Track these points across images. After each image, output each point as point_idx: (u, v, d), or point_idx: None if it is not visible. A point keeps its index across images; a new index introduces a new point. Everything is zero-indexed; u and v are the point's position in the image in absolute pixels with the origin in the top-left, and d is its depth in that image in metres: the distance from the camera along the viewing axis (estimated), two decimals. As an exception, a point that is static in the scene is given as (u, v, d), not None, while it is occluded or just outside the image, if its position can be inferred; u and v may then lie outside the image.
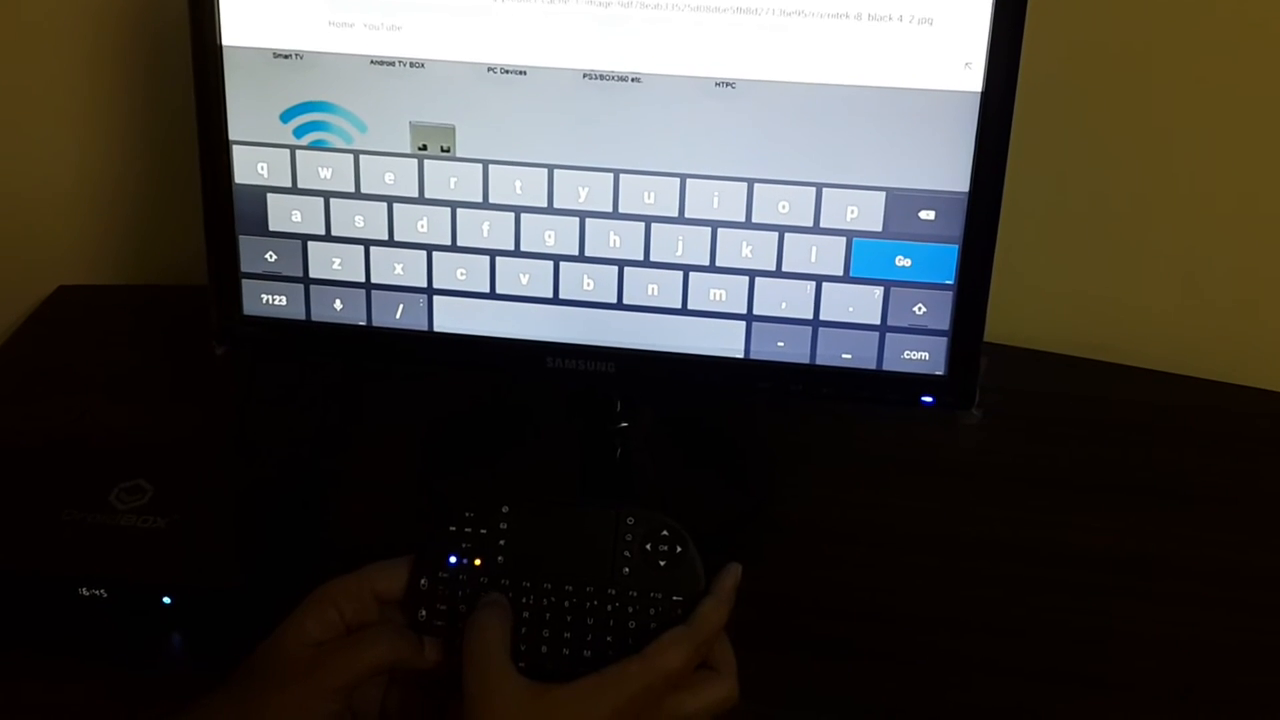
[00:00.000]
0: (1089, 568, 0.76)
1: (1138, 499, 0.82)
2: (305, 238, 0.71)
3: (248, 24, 0.68)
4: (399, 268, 0.71)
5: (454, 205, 0.70)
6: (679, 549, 0.59)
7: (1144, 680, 0.69)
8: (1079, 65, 0.88)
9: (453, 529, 0.60)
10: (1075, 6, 0.85)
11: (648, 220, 0.68)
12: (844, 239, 0.67)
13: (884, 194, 0.66)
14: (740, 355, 0.71)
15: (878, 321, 0.69)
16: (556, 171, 0.68)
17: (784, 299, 0.69)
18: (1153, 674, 0.69)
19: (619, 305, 0.70)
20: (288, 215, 0.71)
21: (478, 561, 0.59)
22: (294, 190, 0.70)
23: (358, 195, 0.70)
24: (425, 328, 0.73)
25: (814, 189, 0.66)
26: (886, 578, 0.75)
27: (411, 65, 0.67)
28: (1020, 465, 0.85)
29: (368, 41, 0.67)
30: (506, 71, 0.66)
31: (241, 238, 0.72)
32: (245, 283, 0.73)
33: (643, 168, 0.67)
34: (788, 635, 0.70)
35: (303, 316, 0.73)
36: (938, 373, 0.69)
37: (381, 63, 0.67)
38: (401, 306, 0.72)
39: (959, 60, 0.63)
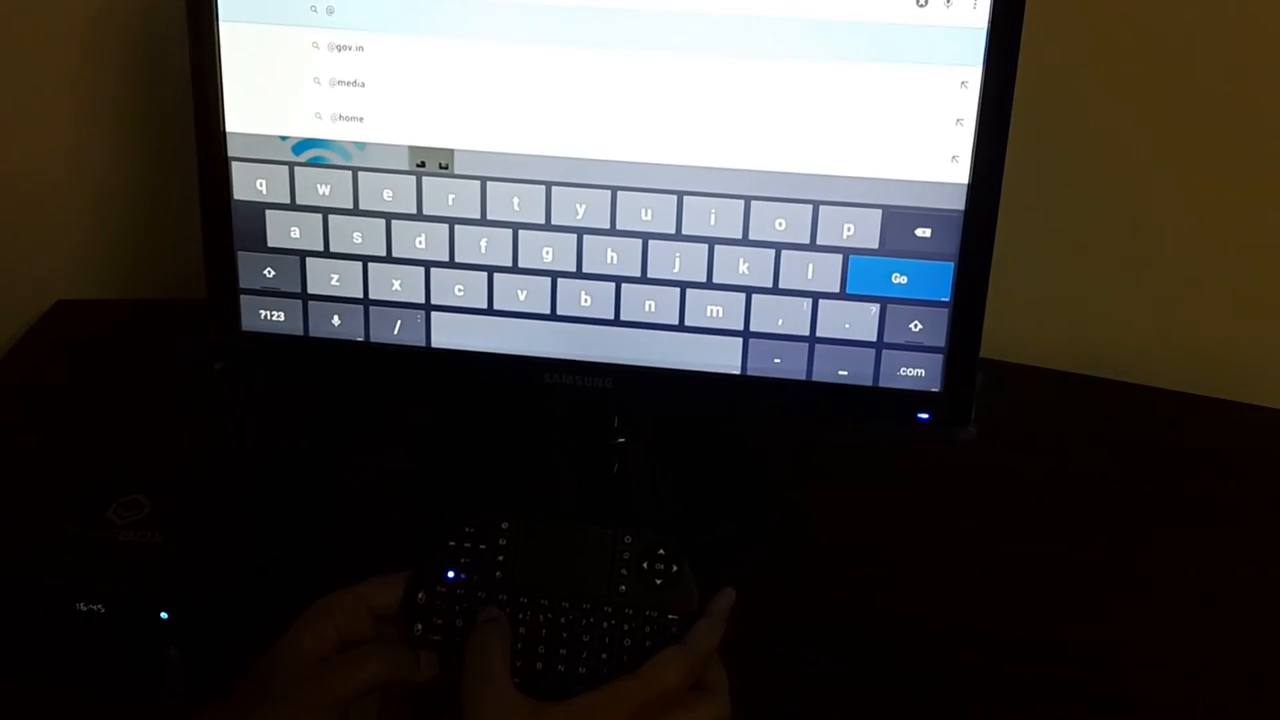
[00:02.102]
0: (1087, 583, 0.76)
1: (1135, 515, 0.82)
2: (304, 254, 0.72)
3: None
4: (397, 284, 0.72)
5: (452, 222, 0.70)
6: (675, 568, 0.59)
7: (1149, 693, 0.69)
8: (1076, 79, 0.88)
9: (452, 544, 0.60)
10: (1073, 17, 0.86)
11: (645, 237, 0.68)
12: (840, 256, 0.67)
13: (880, 211, 0.66)
14: (737, 371, 0.71)
15: (874, 338, 0.69)
16: (554, 188, 0.68)
17: (781, 316, 0.69)
18: (1157, 688, 0.69)
19: (616, 321, 0.71)
20: (286, 231, 0.71)
21: (476, 577, 0.59)
22: (293, 206, 0.71)
23: (356, 211, 0.70)
24: (423, 343, 0.73)
25: (811, 206, 0.67)
26: (882, 593, 0.75)
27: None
28: (1017, 481, 0.85)
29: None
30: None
31: (240, 253, 0.72)
32: (244, 298, 0.73)
33: (640, 184, 0.67)
34: (783, 650, 0.70)
35: (301, 332, 0.73)
36: (934, 389, 0.69)
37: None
38: (399, 322, 0.73)
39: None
